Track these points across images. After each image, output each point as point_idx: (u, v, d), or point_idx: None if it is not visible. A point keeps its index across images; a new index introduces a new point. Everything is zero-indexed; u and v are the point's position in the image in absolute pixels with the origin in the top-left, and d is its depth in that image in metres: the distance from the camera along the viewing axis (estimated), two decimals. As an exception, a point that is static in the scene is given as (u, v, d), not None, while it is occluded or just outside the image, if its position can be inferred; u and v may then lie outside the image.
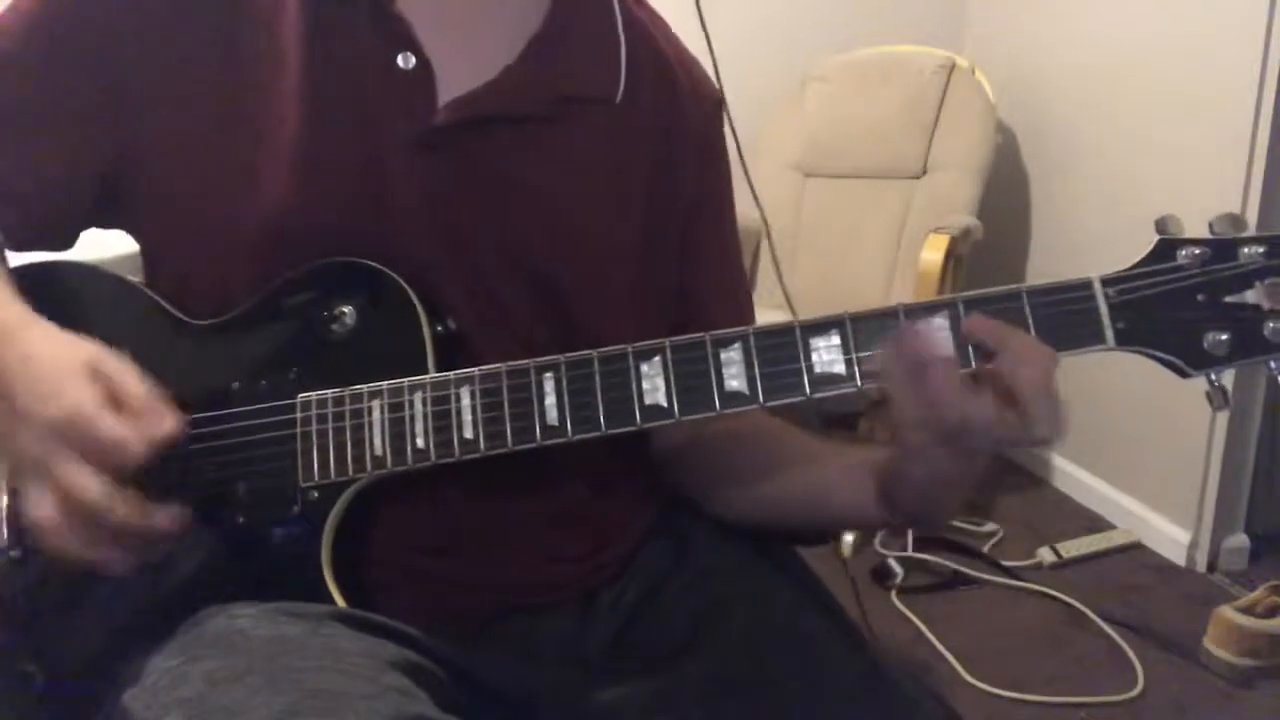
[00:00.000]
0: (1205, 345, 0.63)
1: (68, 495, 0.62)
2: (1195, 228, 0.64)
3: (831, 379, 0.65)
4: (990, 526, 2.37)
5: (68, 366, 0.64)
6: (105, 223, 0.78)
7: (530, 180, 0.76)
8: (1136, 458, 2.37)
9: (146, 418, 0.64)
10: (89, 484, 0.62)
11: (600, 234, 0.79)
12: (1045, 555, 2.25)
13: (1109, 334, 0.63)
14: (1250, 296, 0.62)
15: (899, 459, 0.69)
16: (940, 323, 0.65)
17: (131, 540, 0.64)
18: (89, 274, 0.78)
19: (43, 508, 0.63)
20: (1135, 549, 2.31)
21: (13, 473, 0.67)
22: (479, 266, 0.75)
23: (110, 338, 0.71)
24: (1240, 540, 2.21)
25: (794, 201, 2.60)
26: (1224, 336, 0.62)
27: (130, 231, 0.79)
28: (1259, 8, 1.93)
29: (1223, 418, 2.11)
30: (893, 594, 2.11)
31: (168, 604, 0.67)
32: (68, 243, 0.80)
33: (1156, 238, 0.64)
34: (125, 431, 0.63)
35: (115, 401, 0.64)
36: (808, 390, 0.66)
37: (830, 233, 2.55)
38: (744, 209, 0.94)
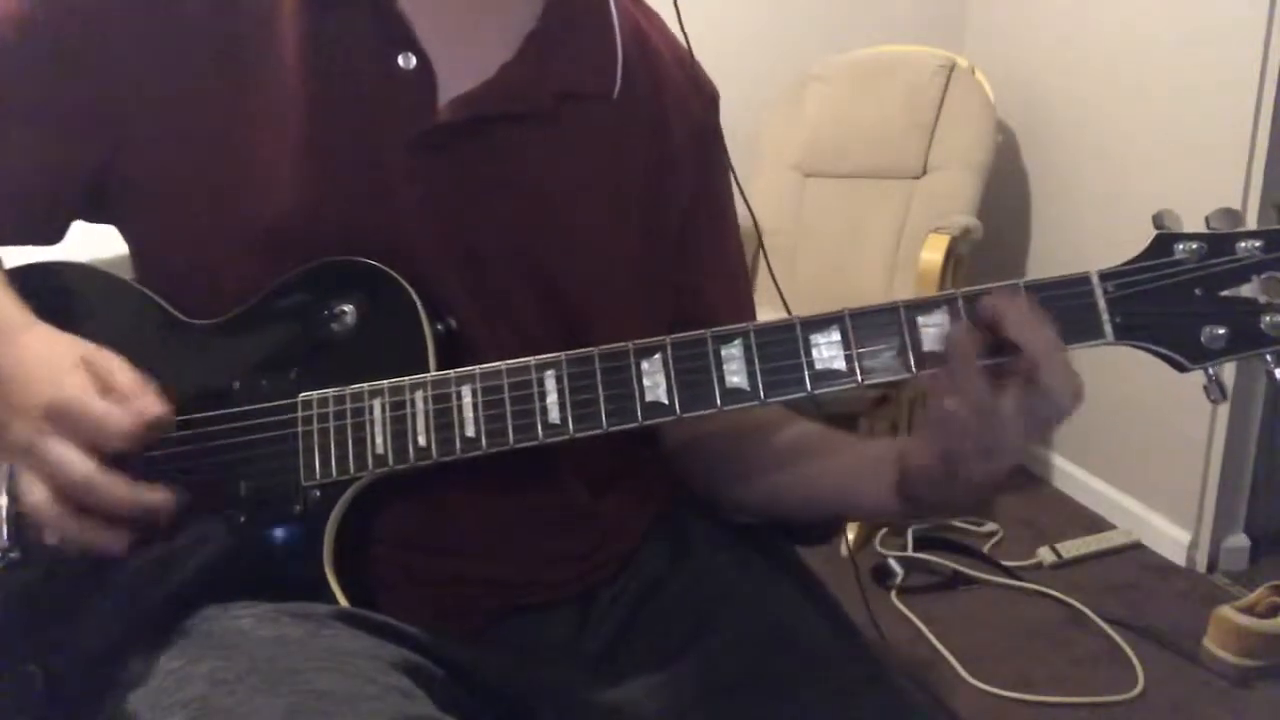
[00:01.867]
0: (1203, 339, 0.63)
1: (55, 475, 0.63)
2: (1195, 226, 0.64)
3: (832, 375, 0.66)
4: (990, 526, 2.37)
5: (62, 361, 0.66)
6: (95, 218, 0.78)
7: (531, 177, 0.76)
8: (1136, 458, 2.36)
9: (136, 400, 0.66)
10: (74, 460, 0.63)
11: (600, 229, 0.79)
12: (1045, 555, 2.25)
13: (1108, 328, 0.63)
14: (1247, 291, 0.62)
15: (929, 460, 0.69)
16: (940, 318, 0.65)
17: (123, 521, 0.65)
18: (88, 275, 0.77)
19: (35, 493, 0.64)
20: (1135, 549, 2.30)
21: (10, 464, 0.69)
22: (481, 264, 0.75)
23: (111, 339, 0.71)
24: (1240, 540, 2.21)
25: (794, 201, 2.60)
26: (1221, 330, 0.62)
27: (121, 228, 0.78)
28: (1259, 7, 1.93)
29: (1223, 418, 2.11)
30: (893, 594, 2.11)
31: (169, 604, 0.67)
32: (56, 237, 0.79)
33: (1154, 233, 0.64)
34: (114, 410, 0.64)
35: (106, 389, 0.65)
36: (808, 386, 0.66)
37: (830, 233, 2.55)
38: (740, 210, 0.94)
